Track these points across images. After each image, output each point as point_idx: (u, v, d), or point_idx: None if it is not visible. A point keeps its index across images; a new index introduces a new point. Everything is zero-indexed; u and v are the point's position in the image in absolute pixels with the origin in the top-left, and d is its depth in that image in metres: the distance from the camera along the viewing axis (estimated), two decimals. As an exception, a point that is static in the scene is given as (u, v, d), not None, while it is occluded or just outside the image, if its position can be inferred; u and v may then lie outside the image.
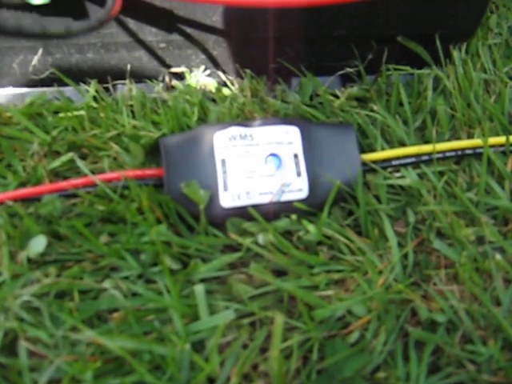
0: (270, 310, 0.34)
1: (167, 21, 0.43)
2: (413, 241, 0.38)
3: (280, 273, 0.36)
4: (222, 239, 0.37)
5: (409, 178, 0.40)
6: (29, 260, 0.35)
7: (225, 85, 0.48)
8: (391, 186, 0.41)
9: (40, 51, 0.45)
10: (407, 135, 0.43)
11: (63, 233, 0.36)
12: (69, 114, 0.43)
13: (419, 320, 0.35)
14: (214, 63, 0.47)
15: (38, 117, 0.44)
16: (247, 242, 0.35)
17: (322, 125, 0.42)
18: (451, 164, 0.42)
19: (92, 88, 0.46)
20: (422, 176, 0.41)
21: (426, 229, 0.38)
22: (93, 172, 0.39)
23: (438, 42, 0.46)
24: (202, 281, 0.35)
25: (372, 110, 0.44)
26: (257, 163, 0.38)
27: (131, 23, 0.43)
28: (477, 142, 0.41)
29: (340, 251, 0.37)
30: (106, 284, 0.34)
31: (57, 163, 0.41)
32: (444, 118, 0.44)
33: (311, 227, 0.37)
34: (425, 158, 0.41)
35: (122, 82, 0.48)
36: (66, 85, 0.46)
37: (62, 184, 0.38)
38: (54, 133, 0.42)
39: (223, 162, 0.38)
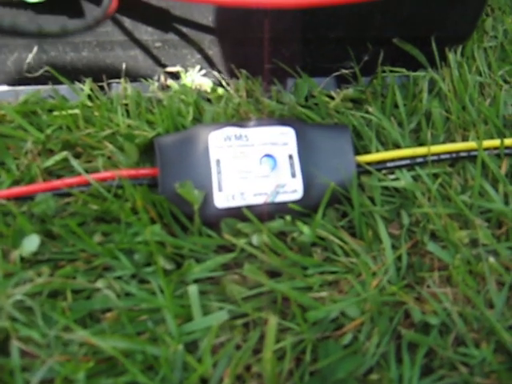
0: (264, 311, 0.34)
1: (163, 20, 0.43)
2: (407, 243, 0.38)
3: (274, 274, 0.36)
4: (215, 240, 0.37)
5: (403, 180, 0.40)
6: (22, 259, 0.35)
7: (220, 85, 0.48)
8: (386, 187, 0.41)
9: (35, 49, 0.44)
10: (402, 137, 0.43)
11: (56, 232, 0.36)
12: (63, 112, 0.43)
13: (412, 322, 0.35)
14: (210, 63, 0.47)
15: (32, 115, 0.44)
16: (241, 242, 0.35)
17: (318, 126, 0.42)
18: (446, 166, 0.42)
19: (87, 87, 0.46)
20: (416, 178, 0.41)
21: (419, 231, 0.38)
22: (87, 171, 0.39)
23: (433, 45, 0.46)
24: (196, 281, 0.35)
25: (367, 112, 0.45)
26: (251, 164, 0.38)
27: (127, 22, 0.43)
28: (471, 144, 0.41)
29: (334, 253, 0.37)
30: (99, 284, 0.34)
31: (51, 162, 0.40)
32: (439, 121, 0.44)
33: (305, 228, 0.37)
34: (419, 160, 0.41)
35: (117, 80, 0.47)
36: (60, 83, 0.45)
37: (56, 183, 0.38)
38: (48, 131, 0.42)
39: (218, 162, 0.38)
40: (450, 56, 0.47)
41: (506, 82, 0.48)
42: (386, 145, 0.43)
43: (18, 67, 0.46)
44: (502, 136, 0.43)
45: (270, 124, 0.40)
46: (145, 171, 0.39)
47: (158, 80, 0.48)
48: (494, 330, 0.33)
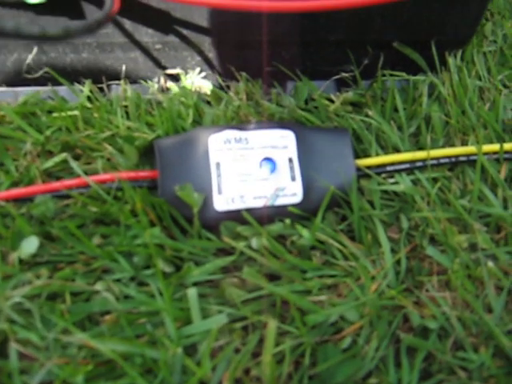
0: (263, 314, 0.34)
1: (163, 22, 0.43)
2: (406, 247, 0.38)
3: (273, 277, 0.36)
4: (215, 243, 0.37)
5: (403, 184, 0.40)
6: (20, 261, 0.35)
7: (220, 87, 0.48)
8: (385, 191, 0.41)
9: (34, 50, 0.44)
10: (402, 141, 0.43)
11: (55, 234, 0.36)
12: (63, 113, 0.43)
13: (411, 326, 0.35)
14: (210, 65, 0.47)
15: (31, 116, 0.44)
16: (240, 245, 0.35)
17: (317, 129, 0.42)
18: (445, 171, 0.42)
19: (86, 88, 0.45)
20: (415, 182, 0.41)
21: (419, 235, 0.38)
22: (86, 173, 0.39)
23: (433, 49, 0.46)
24: (195, 284, 0.35)
25: (367, 116, 0.45)
26: (251, 167, 0.38)
27: (127, 24, 0.43)
28: (471, 149, 0.41)
29: (333, 256, 0.37)
30: (98, 286, 0.34)
31: (50, 163, 0.40)
32: (438, 125, 0.44)
33: (305, 232, 0.37)
34: (419, 164, 0.41)
35: (117, 82, 0.47)
36: (60, 84, 0.45)
37: (55, 185, 0.38)
38: (48, 132, 0.42)
39: (218, 165, 0.38)
40: (450, 60, 0.47)
41: (505, 86, 0.49)
42: (385, 148, 0.43)
43: (17, 68, 0.46)
44: (501, 140, 0.43)
45: (270, 127, 0.40)
46: (144, 173, 0.39)
47: (158, 82, 0.48)
48: (492, 335, 0.33)
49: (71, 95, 0.46)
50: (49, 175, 0.41)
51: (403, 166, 0.41)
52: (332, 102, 0.46)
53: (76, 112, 0.43)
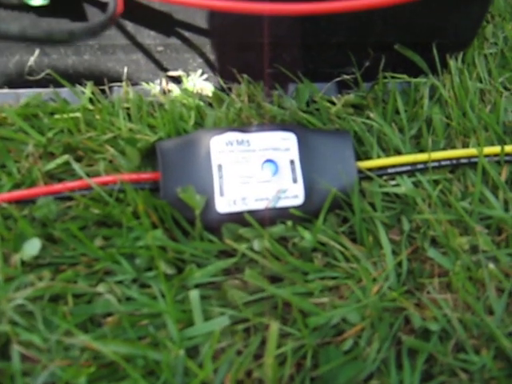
0: (265, 316, 0.34)
1: (165, 24, 0.43)
2: (407, 249, 0.38)
3: (275, 279, 0.36)
4: (217, 245, 0.37)
5: (404, 186, 0.40)
6: (22, 263, 0.35)
7: (222, 89, 0.48)
8: (386, 193, 0.41)
9: (36, 52, 0.44)
10: (403, 143, 0.43)
11: (58, 236, 0.36)
12: (64, 115, 0.43)
13: (412, 328, 0.35)
14: (212, 67, 0.47)
15: (33, 118, 0.44)
16: (242, 247, 0.35)
17: (319, 132, 0.42)
18: (446, 173, 0.42)
19: (88, 90, 0.46)
20: (417, 184, 0.41)
21: (420, 237, 0.38)
22: (88, 175, 0.39)
23: (434, 51, 0.46)
24: (197, 286, 0.35)
25: (368, 118, 0.45)
26: (253, 169, 0.38)
27: (129, 26, 0.43)
28: (472, 151, 0.42)
29: (334, 258, 0.37)
30: (101, 288, 0.34)
31: (52, 165, 0.40)
32: (439, 127, 0.44)
33: (306, 234, 0.37)
34: (420, 166, 0.41)
35: (119, 84, 0.47)
36: (62, 86, 0.45)
37: (57, 186, 0.38)
38: (50, 134, 0.42)
39: (220, 167, 0.38)
40: (451, 62, 0.47)
41: (506, 88, 0.49)
42: (386, 151, 0.43)
43: (19, 70, 0.46)
44: (502, 143, 0.43)
45: (272, 129, 0.40)
46: (146, 175, 0.39)
47: (160, 84, 0.48)
48: (493, 337, 0.33)
49: (73, 97, 0.46)
50: (51, 177, 0.41)
51: (404, 168, 0.41)
52: (333, 104, 0.47)
53: (78, 114, 0.43)
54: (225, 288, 0.35)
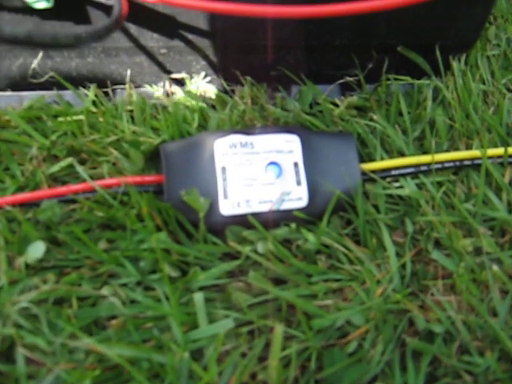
0: (269, 318, 0.34)
1: (169, 27, 0.43)
2: (411, 251, 0.38)
3: (279, 281, 0.36)
4: (221, 247, 0.37)
5: (407, 188, 0.40)
6: (27, 266, 0.35)
7: (225, 92, 0.48)
8: (390, 195, 0.41)
9: (40, 55, 0.44)
10: (406, 145, 0.43)
11: (62, 239, 0.36)
12: (68, 118, 0.43)
13: (417, 330, 0.35)
14: (215, 70, 0.47)
15: (36, 121, 0.44)
16: (246, 250, 0.36)
17: (323, 134, 0.42)
18: (449, 175, 0.42)
19: (91, 92, 0.46)
20: (420, 186, 0.41)
21: (424, 239, 0.38)
22: (92, 177, 0.39)
23: (437, 53, 0.46)
24: (201, 289, 0.35)
25: (371, 120, 0.45)
26: (257, 171, 0.38)
27: (132, 28, 0.43)
28: (475, 153, 0.42)
29: (338, 260, 0.37)
30: (105, 291, 0.34)
31: (56, 168, 0.41)
32: (443, 129, 0.44)
33: (310, 236, 0.37)
34: (423, 168, 0.41)
35: (122, 87, 0.47)
36: (65, 89, 0.45)
37: (61, 189, 0.38)
38: (53, 137, 0.42)
39: (223, 169, 0.38)
40: (454, 64, 0.47)
41: (509, 90, 0.49)
42: (390, 153, 0.43)
43: (22, 72, 0.46)
44: (505, 144, 0.43)
45: (275, 131, 0.40)
46: (150, 178, 0.39)
47: (163, 86, 0.48)
48: (497, 339, 0.33)
49: (76, 100, 0.46)
50: (55, 180, 0.41)
51: (408, 170, 0.41)
52: (337, 106, 0.47)
53: (81, 116, 0.44)
54: (229, 290, 0.35)
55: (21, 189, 0.40)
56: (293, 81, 0.48)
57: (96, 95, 0.46)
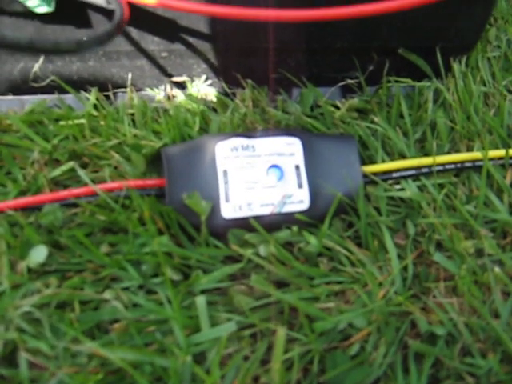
0: (271, 321, 0.34)
1: (169, 30, 0.43)
2: (412, 253, 0.38)
3: (281, 284, 0.36)
4: (223, 250, 0.37)
5: (409, 190, 0.40)
6: (29, 270, 0.35)
7: (226, 95, 0.48)
8: (391, 198, 0.41)
9: (41, 59, 0.45)
10: (407, 147, 0.43)
11: (64, 243, 0.36)
12: (69, 122, 0.43)
13: (419, 332, 0.35)
14: (216, 73, 0.47)
15: (38, 124, 0.44)
16: (248, 253, 0.36)
17: (324, 136, 0.42)
18: (451, 176, 0.42)
19: (93, 96, 0.46)
20: (421, 188, 0.41)
21: (425, 241, 0.38)
22: (93, 181, 0.39)
23: (438, 55, 0.46)
24: (203, 292, 0.35)
25: (373, 122, 0.45)
26: (258, 174, 0.38)
27: (133, 32, 0.43)
28: (476, 154, 0.42)
29: (340, 263, 0.37)
30: (107, 295, 0.34)
31: (57, 172, 0.41)
32: (444, 131, 0.44)
33: (312, 239, 0.37)
34: (425, 170, 0.41)
35: (123, 90, 0.48)
36: (66, 92, 0.45)
37: (63, 193, 0.38)
38: (55, 141, 0.42)
39: (225, 172, 0.38)
40: (455, 66, 0.47)
41: (509, 91, 0.49)
42: (391, 155, 0.43)
43: (24, 76, 0.46)
44: (506, 146, 0.43)
45: (277, 134, 0.40)
46: (152, 182, 0.39)
47: (164, 90, 0.48)
48: (500, 340, 0.33)
49: (78, 103, 0.46)
50: (56, 184, 0.41)
51: (409, 173, 0.41)
52: (338, 108, 0.47)
53: (83, 120, 0.44)
54: (231, 293, 0.35)
55: (23, 193, 0.40)
56: (294, 83, 0.48)
57: (97, 99, 0.46)
